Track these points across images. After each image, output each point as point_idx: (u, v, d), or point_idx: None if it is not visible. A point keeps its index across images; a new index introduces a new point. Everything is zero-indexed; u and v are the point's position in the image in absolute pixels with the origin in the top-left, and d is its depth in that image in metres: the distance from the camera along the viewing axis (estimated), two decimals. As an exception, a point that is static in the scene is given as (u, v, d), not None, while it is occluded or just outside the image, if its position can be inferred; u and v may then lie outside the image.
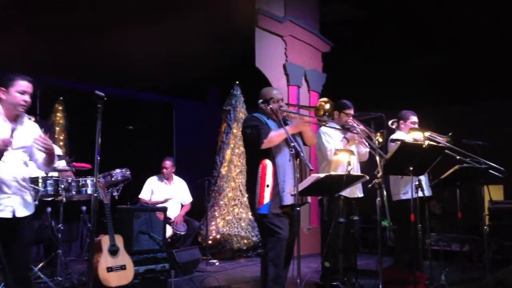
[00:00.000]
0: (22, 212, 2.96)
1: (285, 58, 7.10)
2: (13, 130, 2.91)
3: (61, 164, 4.85)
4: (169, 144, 9.17)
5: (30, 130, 3.09)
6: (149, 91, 8.90)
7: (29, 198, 3.04)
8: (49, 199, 4.72)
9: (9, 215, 2.89)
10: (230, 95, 7.19)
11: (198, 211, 6.47)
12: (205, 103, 9.35)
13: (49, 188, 4.57)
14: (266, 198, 3.64)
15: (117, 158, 6.10)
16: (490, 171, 4.48)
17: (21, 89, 2.95)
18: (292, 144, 3.43)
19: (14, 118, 3.00)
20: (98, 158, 2.92)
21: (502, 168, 4.46)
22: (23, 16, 5.76)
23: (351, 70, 7.67)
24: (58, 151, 5.32)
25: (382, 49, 7.60)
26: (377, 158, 3.88)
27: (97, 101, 2.92)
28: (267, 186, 3.66)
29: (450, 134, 4.76)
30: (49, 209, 4.72)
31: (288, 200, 3.68)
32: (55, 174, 4.75)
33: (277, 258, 3.64)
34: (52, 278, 4.46)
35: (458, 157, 4.55)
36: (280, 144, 3.76)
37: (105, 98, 2.93)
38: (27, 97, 2.97)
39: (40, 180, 4.48)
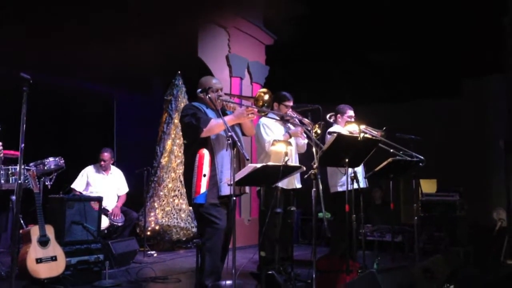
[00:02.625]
0: None
1: (228, 50, 7.09)
2: None
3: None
4: (110, 134, 8.94)
5: None
6: (89, 81, 8.62)
7: None
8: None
9: None
10: (171, 85, 7.08)
11: (137, 201, 6.35)
12: (148, 94, 9.17)
13: (-26, 177, 4.34)
14: (203, 188, 3.63)
15: (54, 147, 5.89)
16: (421, 164, 4.69)
17: None
18: (230, 133, 3.43)
19: None
20: (23, 146, 2.77)
21: (422, 157, 4.68)
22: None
23: (293, 64, 7.77)
24: None
25: (323, 45, 7.75)
26: (314, 149, 3.95)
27: (22, 84, 2.76)
28: (204, 175, 3.65)
29: (384, 128, 4.94)
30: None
31: (226, 190, 3.69)
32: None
33: (214, 248, 3.64)
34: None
35: (391, 150, 4.74)
36: (217, 134, 3.76)
37: (31, 81, 2.77)
38: None
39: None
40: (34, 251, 3.89)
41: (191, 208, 6.29)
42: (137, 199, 6.36)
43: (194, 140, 3.75)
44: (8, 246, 5.11)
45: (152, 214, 6.35)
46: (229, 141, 3.46)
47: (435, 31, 7.21)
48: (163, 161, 6.67)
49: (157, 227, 6.29)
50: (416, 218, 4.99)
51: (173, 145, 6.71)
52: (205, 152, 3.69)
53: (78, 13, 6.11)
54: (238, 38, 7.22)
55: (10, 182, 4.55)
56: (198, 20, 6.60)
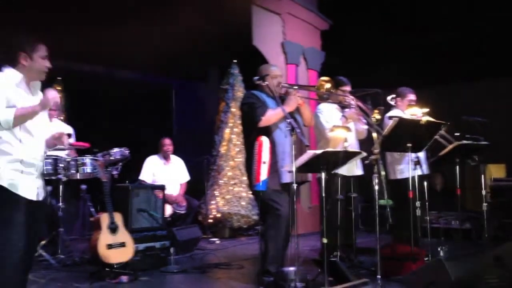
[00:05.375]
0: (42, 194, 2.76)
1: (283, 36, 7.04)
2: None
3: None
4: (169, 124, 9.19)
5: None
6: (148, 73, 8.88)
7: (42, 180, 2.79)
8: (48, 178, 4.73)
9: (34, 197, 2.65)
10: (227, 74, 7.15)
11: (197, 190, 6.51)
12: (205, 83, 9.32)
13: (48, 167, 4.60)
14: (263, 175, 3.65)
15: (115, 138, 6.10)
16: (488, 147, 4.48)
17: (44, 53, 2.69)
18: (288, 120, 3.42)
19: (31, 88, 2.73)
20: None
21: (488, 143, 4.45)
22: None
23: (350, 48, 7.60)
24: (69, 130, 5.31)
25: (381, 27, 7.52)
26: (375, 135, 3.87)
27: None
28: (264, 163, 3.66)
29: (446, 123, 4.70)
30: (49, 188, 4.74)
31: (286, 178, 3.70)
32: (54, 153, 4.75)
33: (277, 235, 3.67)
34: (54, 256, 4.52)
35: (457, 134, 4.54)
36: (276, 121, 3.77)
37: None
38: (48, 63, 2.71)
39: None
40: (104, 237, 4.08)
41: (251, 196, 6.39)
42: (197, 187, 6.52)
43: (253, 128, 3.77)
44: (79, 233, 5.39)
45: (213, 202, 6.49)
46: (288, 128, 3.47)
47: (494, 8, 6.81)
48: (222, 149, 6.78)
49: (218, 215, 6.42)
50: (485, 204, 4.77)
51: (231, 134, 6.79)
52: (264, 139, 3.70)
53: (135, 7, 6.27)
54: (292, 24, 7.15)
55: (80, 172, 4.78)
56: (252, 8, 6.58)
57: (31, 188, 2.64)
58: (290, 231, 3.83)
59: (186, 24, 6.78)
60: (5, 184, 2.57)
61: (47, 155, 4.60)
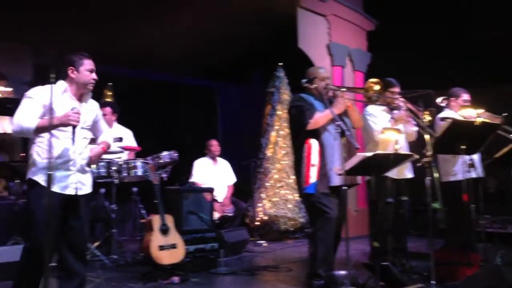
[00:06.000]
0: (84, 190, 3.04)
1: (329, 38, 7.00)
2: (76, 112, 2.88)
3: (112, 147, 5.02)
4: (214, 127, 9.31)
5: (93, 108, 3.19)
6: (193, 76, 9.03)
7: (89, 176, 3.12)
8: (102, 180, 4.89)
9: (73, 192, 2.96)
10: (273, 77, 7.17)
11: (243, 192, 6.56)
12: (249, 86, 9.38)
13: (102, 170, 4.75)
14: (312, 178, 3.65)
15: (162, 141, 6.23)
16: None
17: (90, 67, 3.03)
18: (337, 122, 3.41)
19: (80, 97, 3.06)
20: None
21: None
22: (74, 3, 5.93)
23: (398, 48, 7.46)
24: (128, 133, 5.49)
25: (430, 25, 7.34)
26: (426, 137, 3.78)
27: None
28: (313, 165, 3.67)
29: (504, 114, 4.54)
30: (102, 190, 4.90)
31: (336, 180, 3.67)
32: (107, 156, 4.91)
33: (326, 238, 3.65)
34: (107, 256, 4.66)
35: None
36: (325, 124, 3.75)
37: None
38: (94, 75, 3.05)
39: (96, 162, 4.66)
40: (156, 239, 4.18)
41: (297, 198, 6.38)
42: (243, 190, 6.56)
43: (301, 131, 3.77)
44: (131, 234, 5.53)
45: (259, 204, 6.52)
46: (338, 131, 3.45)
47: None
48: (268, 152, 6.80)
49: (265, 218, 6.44)
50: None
51: (277, 137, 6.80)
52: (313, 142, 3.71)
53: (181, 13, 6.39)
54: (338, 25, 7.10)
55: (132, 174, 4.91)
56: (297, 10, 6.58)
57: (64, 183, 2.93)
58: (340, 234, 3.81)
59: (230, 27, 6.87)
60: (39, 179, 2.88)
61: (101, 158, 4.77)
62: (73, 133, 2.87)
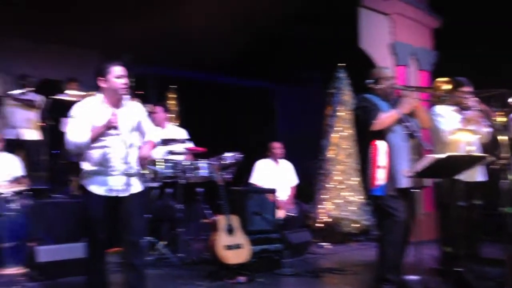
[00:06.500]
0: (132, 189, 3.19)
1: (392, 37, 6.84)
2: (114, 115, 3.11)
3: (177, 148, 5.16)
4: (272, 128, 9.37)
5: (133, 110, 3.31)
6: (251, 78, 9.13)
7: (135, 178, 3.24)
8: (168, 180, 5.03)
9: (119, 194, 3.14)
10: (333, 78, 7.10)
11: (304, 194, 6.53)
12: (307, 87, 9.35)
13: (168, 170, 4.89)
14: (379, 180, 3.58)
15: (223, 142, 6.31)
16: None
17: (119, 73, 3.17)
18: (406, 123, 3.32)
19: (116, 103, 3.22)
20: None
21: None
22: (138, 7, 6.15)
23: (465, 46, 7.17)
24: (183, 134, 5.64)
25: (499, 22, 7.00)
26: (501, 138, 3.62)
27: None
28: (379, 167, 3.59)
29: None
30: (169, 190, 5.04)
31: (403, 182, 3.58)
32: (173, 157, 5.05)
33: (395, 242, 3.56)
34: (174, 254, 4.79)
35: None
36: (391, 124, 3.67)
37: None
38: (125, 80, 3.19)
39: (161, 163, 4.82)
40: (222, 238, 4.25)
41: (361, 200, 6.29)
42: (304, 191, 6.54)
43: (367, 132, 3.71)
44: (196, 234, 5.65)
45: (321, 206, 6.47)
46: (406, 132, 3.37)
47: None
48: (330, 154, 6.74)
49: (328, 219, 6.38)
50: None
51: (339, 138, 6.73)
52: (379, 143, 3.63)
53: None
54: (401, 24, 6.92)
55: (197, 175, 5.02)
56: (359, 10, 6.49)
57: (108, 186, 3.15)
58: (408, 238, 3.71)
59: (288, 28, 6.87)
60: (87, 185, 3.19)
61: (166, 159, 4.93)
62: (115, 138, 3.11)
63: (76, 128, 3.16)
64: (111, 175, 3.17)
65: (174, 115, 7.44)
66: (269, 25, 6.67)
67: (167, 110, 5.68)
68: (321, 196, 6.58)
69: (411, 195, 3.41)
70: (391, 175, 3.62)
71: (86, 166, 3.22)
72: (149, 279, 3.39)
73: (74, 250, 4.11)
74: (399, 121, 3.58)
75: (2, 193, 4.28)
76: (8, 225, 4.20)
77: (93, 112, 3.19)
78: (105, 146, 3.16)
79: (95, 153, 3.18)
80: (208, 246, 4.44)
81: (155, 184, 4.95)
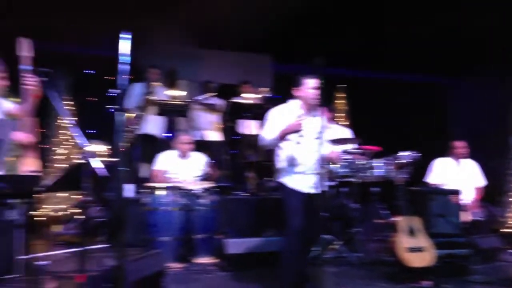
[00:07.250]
0: (318, 189, 3.45)
1: None
2: (300, 119, 3.44)
3: (349, 147, 5.12)
4: (445, 125, 8.79)
5: (318, 121, 3.61)
6: (422, 73, 8.70)
7: (322, 177, 3.48)
8: (343, 179, 5.01)
9: (310, 191, 3.51)
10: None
11: (488, 196, 5.93)
12: (482, 81, 8.54)
13: (345, 170, 4.86)
14: None
15: (397, 141, 6.08)
16: None
17: (311, 85, 3.57)
18: None
19: (309, 110, 3.64)
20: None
21: None
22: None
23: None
24: (347, 133, 5.63)
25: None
26: None
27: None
28: None
29: None
30: (344, 189, 5.03)
31: None
32: (349, 156, 5.01)
33: None
34: (352, 254, 4.75)
35: None
36: None
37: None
38: (317, 92, 3.56)
39: (336, 162, 4.82)
40: (403, 240, 4.10)
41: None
42: (487, 193, 5.95)
43: None
44: (370, 234, 5.54)
45: (510, 209, 5.82)
46: None
47: None
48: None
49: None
50: None
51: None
52: None
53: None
54: None
55: (373, 174, 4.90)
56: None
57: (302, 184, 3.53)
58: None
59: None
60: (285, 182, 3.58)
61: (343, 159, 4.91)
62: (305, 141, 3.47)
63: (269, 127, 3.59)
64: (305, 173, 3.54)
65: (343, 115, 7.42)
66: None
67: (331, 109, 5.70)
68: (510, 199, 5.92)
69: None
70: None
71: (281, 165, 3.61)
72: (327, 276, 3.49)
73: (259, 244, 4.35)
74: None
75: (193, 190, 4.72)
76: (200, 218, 4.63)
77: (287, 115, 3.58)
78: (296, 148, 3.52)
79: (290, 153, 3.56)
80: (389, 247, 4.31)
81: (331, 183, 4.97)
